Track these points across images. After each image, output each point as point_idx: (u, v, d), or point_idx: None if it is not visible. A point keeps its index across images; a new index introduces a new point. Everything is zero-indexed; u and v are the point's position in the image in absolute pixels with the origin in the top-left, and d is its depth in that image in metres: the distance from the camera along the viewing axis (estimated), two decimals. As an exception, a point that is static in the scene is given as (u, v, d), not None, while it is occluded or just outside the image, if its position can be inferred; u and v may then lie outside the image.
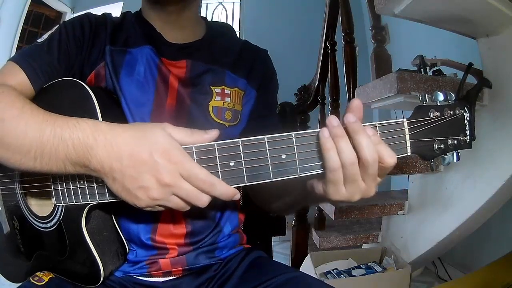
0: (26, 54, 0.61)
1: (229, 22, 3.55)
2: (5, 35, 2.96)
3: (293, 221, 1.90)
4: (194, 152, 0.45)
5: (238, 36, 0.90)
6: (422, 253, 1.56)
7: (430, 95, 0.45)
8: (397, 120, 0.44)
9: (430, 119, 0.44)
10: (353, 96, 1.64)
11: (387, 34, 2.23)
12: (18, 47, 3.05)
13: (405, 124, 0.44)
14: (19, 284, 0.61)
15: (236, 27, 3.66)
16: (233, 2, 3.91)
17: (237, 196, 0.45)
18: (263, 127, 0.71)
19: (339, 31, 1.88)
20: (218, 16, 3.89)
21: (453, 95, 0.46)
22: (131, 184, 0.44)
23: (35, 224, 0.62)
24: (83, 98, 0.54)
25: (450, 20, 1.26)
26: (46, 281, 0.59)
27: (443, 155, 0.46)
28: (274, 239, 0.98)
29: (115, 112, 0.61)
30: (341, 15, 1.82)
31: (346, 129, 0.42)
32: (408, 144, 0.44)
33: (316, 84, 2.03)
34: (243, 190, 0.82)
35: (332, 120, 0.41)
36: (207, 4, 3.92)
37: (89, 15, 0.68)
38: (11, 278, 0.69)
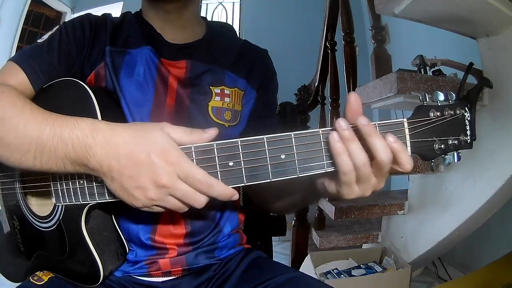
0: (26, 54, 0.61)
1: (229, 22, 3.54)
2: (5, 35, 2.96)
3: (293, 221, 1.90)
4: (193, 152, 0.45)
5: (238, 36, 0.90)
6: (422, 253, 1.56)
7: (431, 95, 0.45)
8: (397, 120, 0.44)
9: (431, 119, 0.44)
10: (353, 96, 1.63)
11: (387, 34, 2.23)
12: (18, 47, 3.05)
13: (405, 124, 0.44)
14: (19, 284, 0.61)
15: (236, 27, 3.65)
16: (233, 2, 3.91)
17: (236, 196, 0.45)
18: (263, 127, 0.71)
19: (339, 31, 1.88)
20: (218, 16, 3.89)
21: (454, 95, 0.46)
22: (129, 184, 0.44)
23: (35, 224, 0.62)
24: (83, 98, 0.54)
25: (450, 20, 1.26)
26: (45, 280, 0.59)
27: (443, 155, 0.45)
28: (274, 239, 0.97)
29: (114, 112, 0.61)
30: (341, 15, 1.82)
31: (354, 130, 0.42)
32: (408, 144, 0.44)
33: (316, 84, 2.03)
34: (243, 190, 0.82)
35: (341, 122, 0.41)
36: (207, 4, 3.92)
37: (89, 15, 0.68)
38: (11, 277, 0.69)
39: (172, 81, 0.66)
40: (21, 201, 0.64)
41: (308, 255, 1.71)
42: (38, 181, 0.58)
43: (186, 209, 0.46)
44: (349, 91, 1.72)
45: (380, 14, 1.82)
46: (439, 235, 1.47)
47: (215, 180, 0.44)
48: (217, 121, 0.67)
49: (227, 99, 0.68)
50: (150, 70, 0.65)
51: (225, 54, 0.72)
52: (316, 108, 2.10)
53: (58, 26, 0.65)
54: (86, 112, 0.52)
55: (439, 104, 0.45)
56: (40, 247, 0.63)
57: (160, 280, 0.65)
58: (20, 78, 0.58)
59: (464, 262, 1.93)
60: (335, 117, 1.87)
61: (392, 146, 0.41)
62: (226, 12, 3.91)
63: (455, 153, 0.46)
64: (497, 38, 1.25)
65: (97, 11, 0.71)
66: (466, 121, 0.45)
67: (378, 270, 1.57)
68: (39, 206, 0.62)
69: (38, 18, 3.37)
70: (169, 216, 0.64)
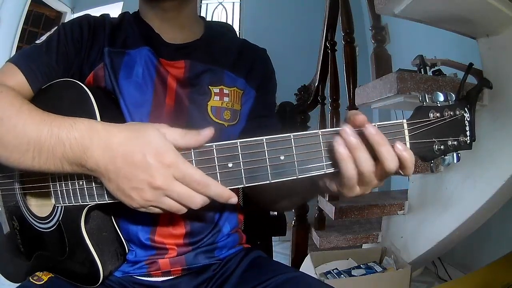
0: (25, 55, 0.61)
1: (229, 22, 3.54)
2: (5, 35, 2.96)
3: (293, 221, 1.90)
4: (193, 152, 0.45)
5: (238, 36, 0.90)
6: (422, 253, 1.56)
7: (430, 95, 0.45)
8: (396, 121, 0.44)
9: (430, 120, 0.44)
10: (353, 96, 1.64)
11: (387, 34, 2.23)
12: (18, 47, 3.05)
13: (405, 125, 0.44)
14: (18, 284, 0.61)
15: (236, 27, 3.66)
16: (233, 2, 3.91)
17: (234, 199, 0.45)
18: (262, 127, 0.71)
19: (339, 31, 1.88)
20: (218, 16, 3.89)
21: (453, 95, 0.45)
22: (125, 185, 0.44)
23: (35, 225, 0.62)
24: (82, 99, 0.54)
25: (450, 20, 1.26)
26: (45, 280, 0.59)
27: (443, 156, 0.45)
28: (274, 239, 0.97)
29: (113, 113, 0.61)
30: (341, 15, 1.82)
31: (360, 135, 0.42)
32: (408, 145, 0.44)
33: (316, 84, 2.03)
34: (243, 190, 0.82)
35: (347, 130, 0.41)
36: (207, 4, 3.92)
37: (88, 16, 0.68)
38: (10, 277, 0.69)
39: (171, 81, 0.66)
40: (20, 202, 0.64)
41: (308, 255, 1.70)
42: (37, 182, 0.58)
43: (183, 211, 0.46)
44: (349, 91, 1.72)
45: (380, 14, 1.81)
46: (439, 235, 1.47)
47: (212, 180, 0.44)
48: (217, 120, 0.67)
49: (226, 99, 0.68)
50: (149, 70, 0.65)
51: (224, 53, 0.72)
52: (316, 108, 2.10)
53: (56, 27, 0.65)
54: (85, 113, 0.52)
55: (439, 105, 0.45)
56: (40, 247, 0.63)
57: (160, 280, 0.65)
58: (18, 79, 0.58)
59: (464, 262, 1.93)
60: (335, 117, 1.87)
61: (402, 154, 0.42)
62: (226, 12, 3.91)
63: (455, 154, 0.46)
64: (497, 38, 1.25)
65: (97, 11, 0.71)
66: (466, 121, 0.45)
67: (378, 270, 1.57)
68: (39, 207, 0.62)
69: (38, 18, 3.37)
70: (168, 217, 0.64)
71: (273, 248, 0.96)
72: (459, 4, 1.12)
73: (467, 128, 0.45)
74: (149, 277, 0.65)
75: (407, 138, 0.44)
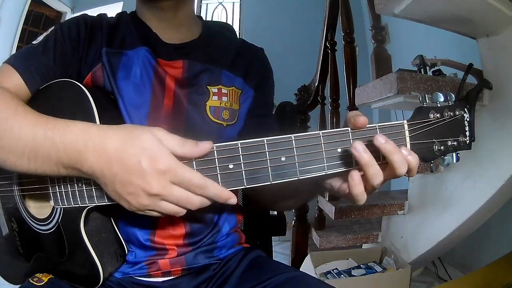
0: (21, 56, 0.60)
1: (229, 22, 3.55)
2: (5, 35, 2.96)
3: (293, 221, 1.90)
4: (193, 154, 0.45)
5: (238, 36, 0.89)
6: (422, 253, 1.56)
7: (430, 95, 0.45)
8: (397, 122, 0.44)
9: (430, 121, 0.44)
10: (353, 96, 1.64)
11: (387, 34, 2.23)
12: (18, 47, 3.05)
13: (405, 126, 0.44)
14: (18, 286, 0.61)
15: (236, 27, 3.66)
16: (233, 2, 3.91)
17: (233, 200, 0.44)
18: (261, 126, 0.71)
19: (339, 31, 1.88)
20: (218, 16, 3.89)
21: (453, 96, 0.46)
22: (121, 190, 0.44)
23: (34, 226, 0.62)
24: (81, 100, 0.53)
25: (450, 20, 1.26)
26: (45, 281, 0.59)
27: (442, 156, 0.46)
28: (274, 239, 0.97)
29: (112, 113, 0.61)
30: (341, 15, 1.82)
31: (362, 136, 0.43)
32: (408, 146, 0.44)
33: (316, 84, 2.03)
34: (242, 190, 0.82)
35: (358, 147, 0.41)
36: (207, 4, 3.92)
37: (84, 16, 0.67)
38: (10, 279, 0.69)
39: (169, 82, 0.65)
40: (19, 203, 0.64)
41: (308, 255, 1.71)
42: (36, 183, 0.57)
43: (182, 213, 0.45)
44: (349, 91, 1.72)
45: (380, 14, 1.81)
46: (439, 235, 1.47)
47: (211, 181, 0.43)
48: (215, 120, 0.66)
49: (224, 98, 0.68)
50: (147, 71, 0.65)
51: (222, 53, 0.72)
52: (316, 108, 2.11)
53: (53, 27, 0.64)
54: (84, 113, 0.52)
55: (439, 105, 0.45)
56: (39, 249, 0.62)
57: (160, 280, 0.65)
58: (15, 80, 0.58)
59: (464, 262, 1.93)
60: (335, 117, 1.87)
61: (408, 159, 0.42)
62: (226, 12, 3.91)
63: (454, 154, 0.46)
64: (497, 38, 1.25)
65: (97, 11, 0.71)
66: (465, 122, 0.45)
67: (378, 270, 1.57)
68: (38, 209, 0.62)
69: (38, 18, 3.37)
70: (168, 217, 0.63)
71: (273, 248, 0.96)
72: (459, 4, 1.12)
73: (467, 129, 0.46)
74: (149, 277, 0.65)
75: (407, 139, 0.44)
